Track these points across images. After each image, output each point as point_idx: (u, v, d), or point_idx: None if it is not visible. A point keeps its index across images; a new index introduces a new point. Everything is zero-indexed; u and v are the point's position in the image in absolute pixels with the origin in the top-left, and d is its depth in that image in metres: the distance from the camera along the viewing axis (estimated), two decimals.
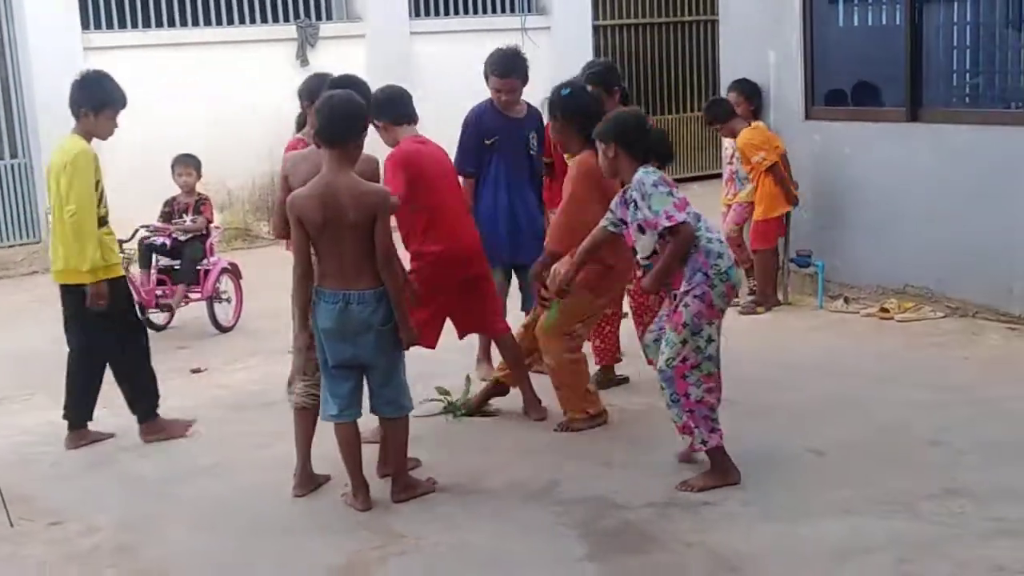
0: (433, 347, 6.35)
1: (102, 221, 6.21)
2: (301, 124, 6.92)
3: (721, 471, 5.33)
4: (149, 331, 8.90)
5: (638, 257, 5.43)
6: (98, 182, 6.19)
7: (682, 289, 5.23)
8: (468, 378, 6.75)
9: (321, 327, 5.19)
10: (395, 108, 6.19)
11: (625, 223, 5.40)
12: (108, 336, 6.26)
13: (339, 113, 5.12)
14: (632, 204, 5.32)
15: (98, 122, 6.23)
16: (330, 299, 5.14)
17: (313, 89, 6.67)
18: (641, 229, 5.32)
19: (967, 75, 9.57)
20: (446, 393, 6.58)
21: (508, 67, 6.95)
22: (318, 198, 5.08)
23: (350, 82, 5.71)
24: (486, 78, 7.03)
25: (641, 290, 5.79)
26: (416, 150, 6.18)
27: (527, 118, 7.13)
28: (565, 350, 6.10)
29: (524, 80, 7.02)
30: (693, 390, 5.24)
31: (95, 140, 6.36)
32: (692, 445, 5.35)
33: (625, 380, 6.98)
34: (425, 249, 6.16)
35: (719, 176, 9.90)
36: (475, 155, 7.00)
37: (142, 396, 6.43)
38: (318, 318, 5.19)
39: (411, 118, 6.24)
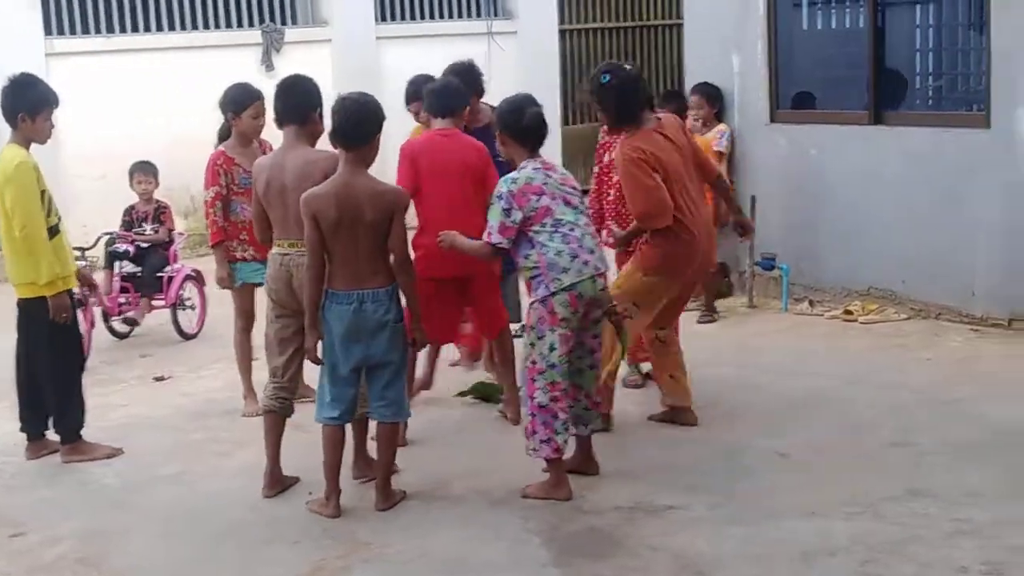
0: (443, 341, 6.54)
1: (54, 230, 6.07)
2: (223, 136, 6.95)
3: (552, 484, 5.35)
4: (113, 338, 8.95)
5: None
6: (44, 192, 6.02)
7: (530, 297, 5.36)
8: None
9: (335, 331, 5.18)
10: (438, 100, 6.41)
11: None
12: (46, 349, 6.13)
13: (355, 115, 5.19)
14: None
15: (36, 125, 6.06)
16: (343, 300, 5.15)
17: (237, 100, 6.78)
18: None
19: (930, 78, 9.65)
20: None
21: (462, 81, 6.88)
22: (334, 196, 5.12)
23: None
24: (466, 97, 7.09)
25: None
26: (426, 140, 6.37)
27: (492, 124, 7.09)
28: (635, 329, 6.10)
29: (479, 92, 7.00)
30: (539, 395, 5.28)
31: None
32: (526, 449, 5.36)
33: (649, 376, 7.03)
34: (417, 241, 6.16)
35: None
36: None
37: (69, 415, 6.24)
38: (331, 322, 5.18)
39: (449, 112, 6.36)
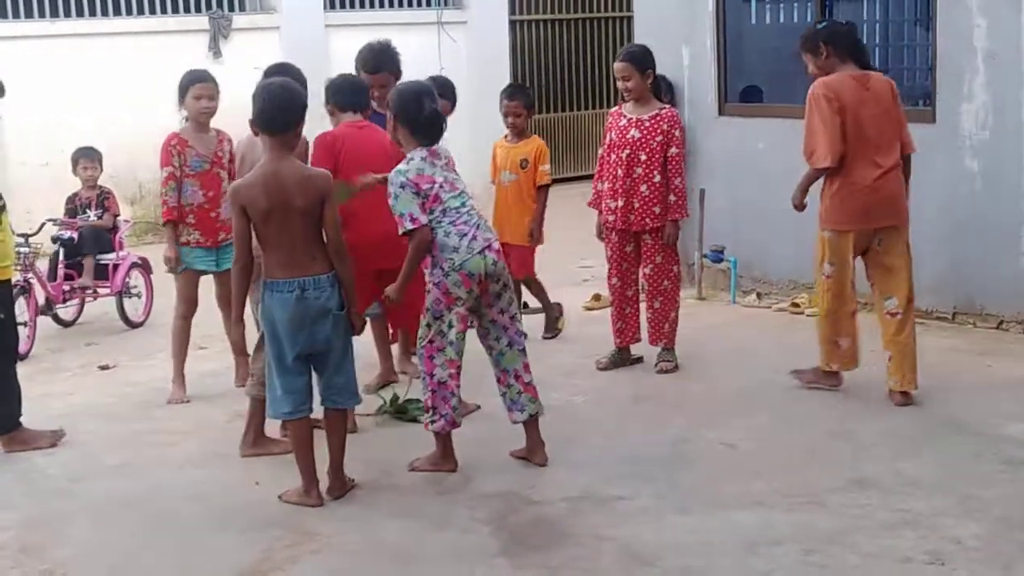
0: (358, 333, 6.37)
1: None
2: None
3: (440, 456, 5.56)
4: (57, 326, 8.86)
5: None
6: None
7: (426, 279, 5.43)
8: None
9: (277, 319, 5.12)
10: (342, 95, 6.41)
11: None
12: None
13: (278, 101, 5.13)
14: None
15: None
16: (284, 288, 5.08)
17: (181, 83, 6.92)
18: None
19: None
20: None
21: (379, 62, 6.86)
22: (261, 186, 5.06)
23: (283, 70, 6.05)
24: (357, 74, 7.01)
25: (386, 300, 5.71)
26: (346, 133, 6.31)
27: None
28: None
29: (397, 74, 6.87)
30: (438, 371, 5.41)
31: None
32: (424, 421, 5.52)
33: (639, 360, 7.16)
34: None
35: None
36: None
37: (5, 404, 6.14)
38: (273, 311, 5.12)
39: (356, 107, 6.40)
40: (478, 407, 6.24)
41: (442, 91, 6.79)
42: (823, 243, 6.42)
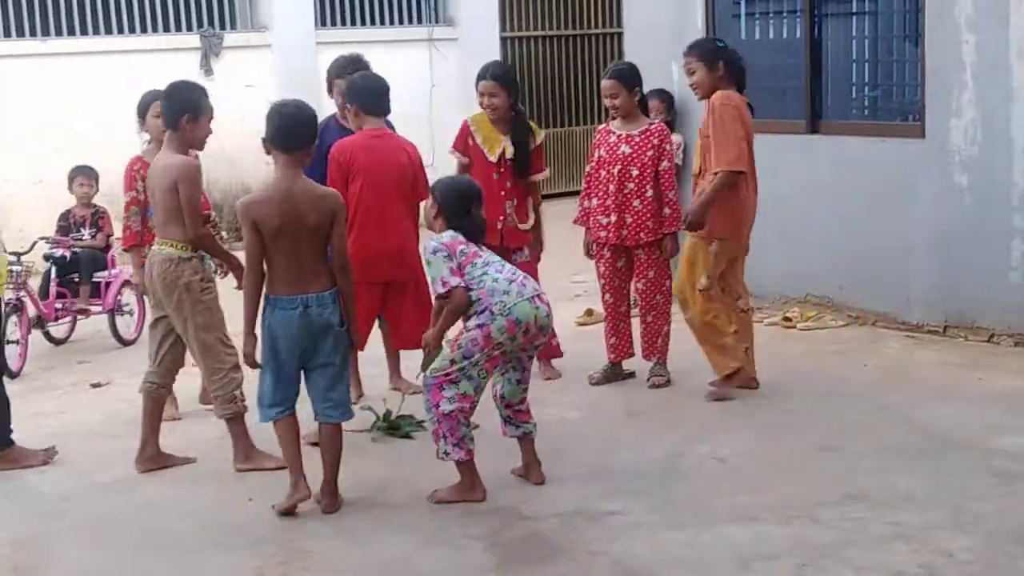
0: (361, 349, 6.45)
1: None
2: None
3: (465, 486, 5.40)
4: (49, 344, 8.84)
5: None
6: None
7: (471, 321, 5.32)
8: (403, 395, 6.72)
9: (280, 335, 5.19)
10: (364, 98, 6.41)
11: None
12: None
13: (291, 120, 5.23)
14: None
15: None
16: (287, 305, 5.17)
17: (140, 105, 6.88)
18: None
19: (865, 88, 9.77)
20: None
21: (356, 69, 6.86)
22: (276, 203, 5.15)
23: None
24: (329, 86, 7.01)
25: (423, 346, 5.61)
26: (355, 142, 6.36)
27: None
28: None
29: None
30: (444, 404, 5.28)
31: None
32: (436, 453, 5.40)
33: (631, 375, 7.19)
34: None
35: None
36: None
37: None
38: (275, 327, 5.20)
39: (379, 111, 6.42)
40: (477, 426, 6.21)
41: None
42: (717, 252, 6.58)
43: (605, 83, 6.97)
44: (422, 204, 6.94)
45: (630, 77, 6.93)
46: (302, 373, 5.35)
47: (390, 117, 6.80)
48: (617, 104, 6.91)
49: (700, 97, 6.72)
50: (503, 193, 6.96)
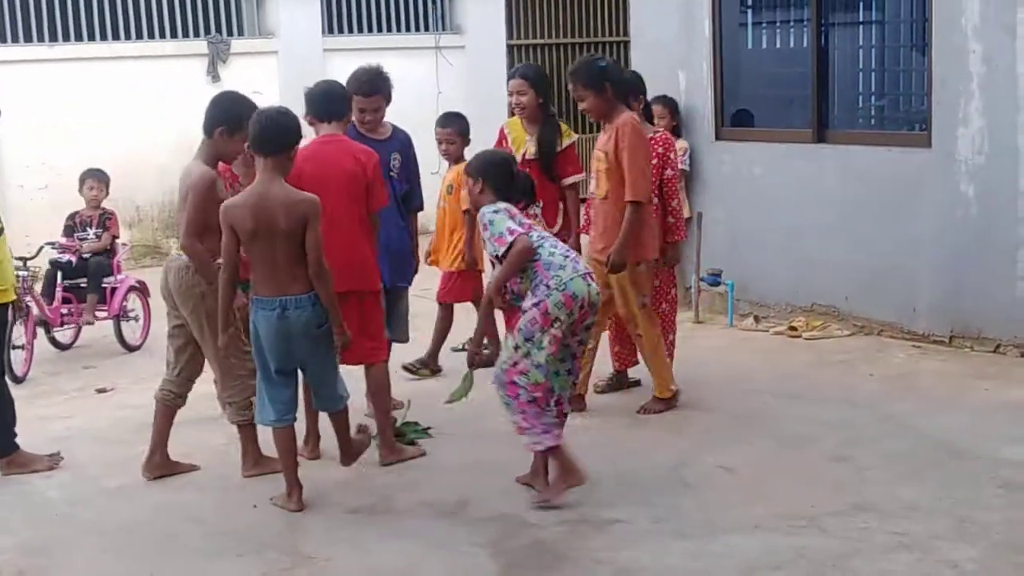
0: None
1: None
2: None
3: (565, 471, 5.39)
4: (55, 350, 8.86)
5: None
6: None
7: (527, 302, 5.36)
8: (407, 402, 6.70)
9: (262, 334, 5.39)
10: (312, 105, 6.26)
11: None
12: None
13: (272, 124, 5.35)
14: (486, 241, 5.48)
15: None
16: (267, 306, 5.35)
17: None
18: (500, 260, 5.42)
19: (872, 97, 9.78)
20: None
21: (374, 85, 6.61)
22: (250, 208, 5.28)
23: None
24: (348, 100, 6.81)
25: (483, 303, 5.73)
26: (301, 151, 6.00)
27: (391, 139, 6.83)
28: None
29: (388, 98, 6.71)
30: (523, 394, 5.32)
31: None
32: (526, 445, 5.40)
33: (637, 383, 7.19)
34: None
35: None
36: None
37: (2, 425, 6.15)
38: (258, 325, 5.40)
39: (331, 116, 6.14)
40: (429, 428, 6.40)
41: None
42: (643, 274, 6.54)
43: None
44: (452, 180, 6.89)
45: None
46: (297, 379, 5.56)
47: (397, 122, 6.82)
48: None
49: (596, 119, 6.65)
50: None
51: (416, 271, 7.07)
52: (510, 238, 5.31)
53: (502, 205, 5.44)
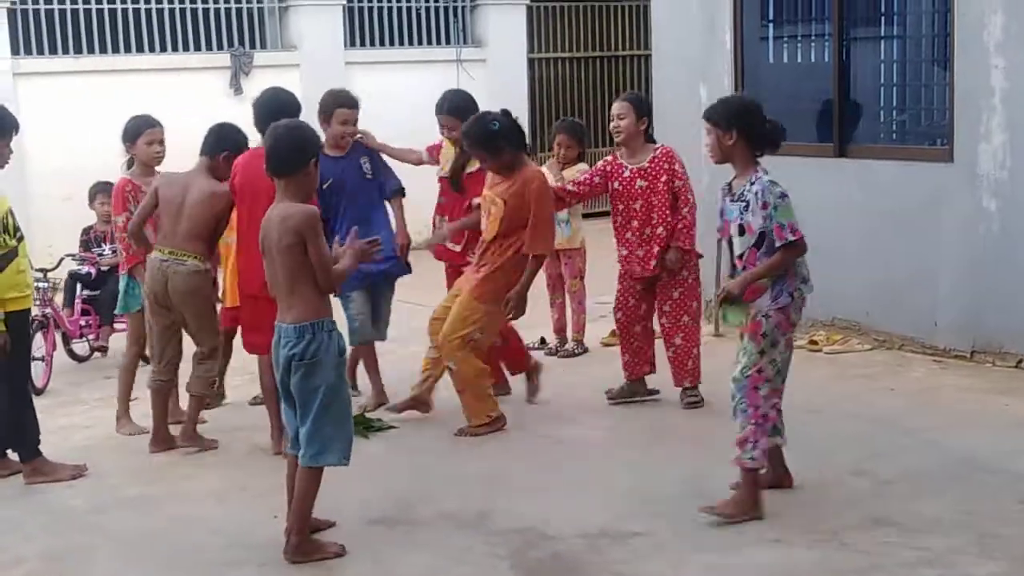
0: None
1: (11, 254, 5.92)
2: (131, 163, 7.23)
3: (752, 499, 5.26)
4: (74, 362, 8.89)
5: (734, 256, 5.40)
6: (4, 218, 5.91)
7: (767, 303, 5.23)
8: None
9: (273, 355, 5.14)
10: (256, 118, 6.46)
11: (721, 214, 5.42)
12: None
13: (283, 144, 5.02)
14: (743, 204, 5.27)
15: None
16: (277, 329, 5.05)
17: (130, 130, 7.19)
18: (741, 230, 5.29)
19: (894, 112, 9.75)
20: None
21: (354, 98, 7.17)
22: (262, 227, 5.06)
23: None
24: (328, 114, 7.10)
25: (722, 292, 5.42)
26: (237, 162, 6.40)
27: (354, 149, 7.23)
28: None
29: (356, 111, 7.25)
30: (763, 403, 5.24)
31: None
32: (738, 459, 5.28)
33: (655, 392, 7.15)
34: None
35: None
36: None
37: (25, 433, 6.17)
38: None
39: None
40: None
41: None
42: (486, 314, 6.52)
43: (617, 105, 7.02)
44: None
45: (639, 103, 7.02)
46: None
47: (419, 135, 6.96)
48: (621, 127, 6.89)
49: (499, 173, 6.59)
50: (439, 206, 7.42)
51: (406, 254, 7.27)
52: (792, 237, 5.13)
53: (783, 188, 5.21)
